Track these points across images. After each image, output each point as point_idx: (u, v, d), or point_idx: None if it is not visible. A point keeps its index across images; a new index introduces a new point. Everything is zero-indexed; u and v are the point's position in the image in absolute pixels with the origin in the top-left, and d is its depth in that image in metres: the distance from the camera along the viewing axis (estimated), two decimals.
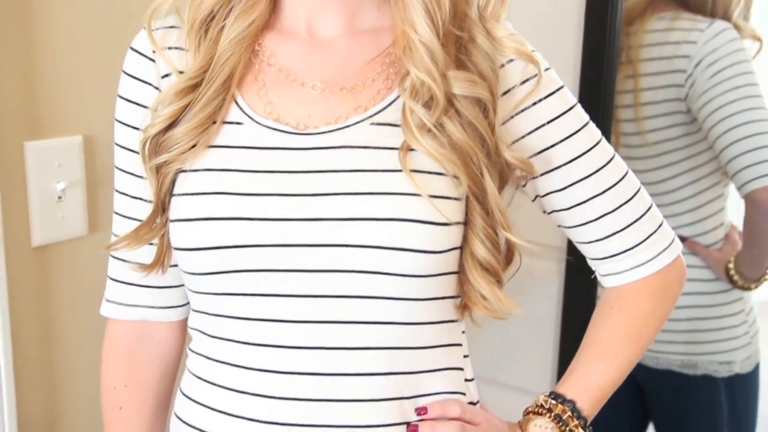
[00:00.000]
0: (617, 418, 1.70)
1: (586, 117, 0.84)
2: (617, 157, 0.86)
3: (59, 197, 1.16)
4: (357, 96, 0.79)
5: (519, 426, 0.86)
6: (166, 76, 0.83)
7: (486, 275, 0.79)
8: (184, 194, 0.78)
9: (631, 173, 0.87)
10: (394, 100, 0.79)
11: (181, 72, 0.81)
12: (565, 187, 0.83)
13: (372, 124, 0.77)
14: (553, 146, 0.82)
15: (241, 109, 0.80)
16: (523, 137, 0.81)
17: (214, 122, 0.79)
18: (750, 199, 1.41)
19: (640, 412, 1.71)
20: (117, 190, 0.88)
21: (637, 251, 0.86)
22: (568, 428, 0.85)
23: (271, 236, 0.74)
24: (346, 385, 0.76)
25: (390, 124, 0.77)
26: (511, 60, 0.80)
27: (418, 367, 0.79)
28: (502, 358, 1.62)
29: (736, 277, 1.50)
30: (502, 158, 0.78)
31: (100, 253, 1.23)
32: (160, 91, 0.82)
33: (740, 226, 1.56)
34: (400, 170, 0.75)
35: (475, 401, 0.86)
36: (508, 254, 0.83)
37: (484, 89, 0.77)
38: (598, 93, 1.42)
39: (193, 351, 0.84)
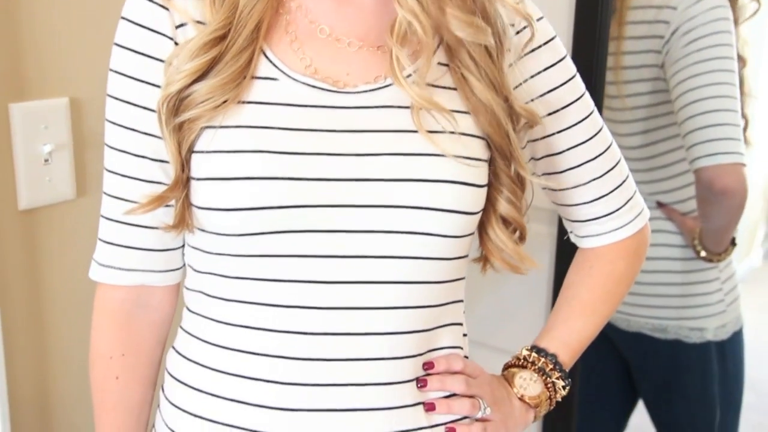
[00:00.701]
0: (606, 386, 1.72)
1: (583, 87, 0.88)
2: (604, 126, 0.90)
3: (46, 160, 1.14)
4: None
5: (505, 378, 0.89)
6: (181, 26, 0.77)
7: (507, 231, 0.83)
8: (217, 151, 0.74)
9: (614, 142, 0.91)
10: None
11: (199, 22, 0.76)
12: (563, 151, 0.87)
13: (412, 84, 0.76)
14: (555, 113, 0.85)
15: (273, 63, 0.77)
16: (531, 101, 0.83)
17: (244, 77, 0.75)
18: (698, 177, 1.40)
19: (628, 383, 1.72)
20: (113, 147, 0.82)
21: (617, 215, 0.91)
22: (550, 380, 0.89)
23: (316, 196, 0.73)
24: (375, 344, 0.77)
25: (429, 85, 0.77)
26: (523, 28, 0.81)
27: (433, 324, 0.81)
28: (493, 320, 1.62)
29: (699, 249, 1.50)
30: (512, 109, 0.80)
31: (89, 218, 1.22)
32: (175, 42, 0.77)
33: None
34: (441, 132, 0.76)
35: (467, 355, 0.88)
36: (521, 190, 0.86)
37: (488, 35, 0.77)
38: (591, 54, 1.40)
39: (192, 311, 0.83)
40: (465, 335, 0.88)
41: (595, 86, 1.38)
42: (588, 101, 0.88)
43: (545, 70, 0.84)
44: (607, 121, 0.93)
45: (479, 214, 0.80)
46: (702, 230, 1.48)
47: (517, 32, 0.81)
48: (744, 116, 1.43)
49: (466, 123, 0.78)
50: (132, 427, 0.89)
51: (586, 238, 0.94)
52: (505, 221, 0.83)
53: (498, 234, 0.82)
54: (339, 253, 0.74)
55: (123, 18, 0.79)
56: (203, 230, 0.77)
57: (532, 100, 0.83)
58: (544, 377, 0.89)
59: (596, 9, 1.38)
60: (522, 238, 0.85)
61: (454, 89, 0.78)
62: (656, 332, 1.55)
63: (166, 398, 0.85)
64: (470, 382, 0.83)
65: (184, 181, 0.77)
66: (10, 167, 1.11)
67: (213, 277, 0.79)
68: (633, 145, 1.49)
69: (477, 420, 0.83)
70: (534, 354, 0.90)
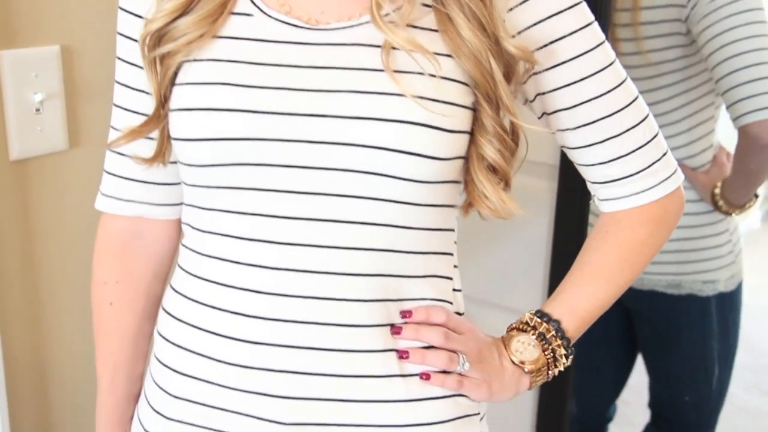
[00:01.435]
0: (606, 341, 1.73)
1: (602, 37, 0.81)
2: (629, 81, 0.83)
3: (37, 109, 1.12)
4: None
5: (502, 341, 0.86)
6: None
7: (492, 177, 0.78)
8: (186, 83, 0.77)
9: (641, 98, 0.84)
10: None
11: None
12: (574, 106, 0.81)
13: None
14: (564, 63, 0.79)
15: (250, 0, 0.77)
16: (539, 73, 0.79)
17: (222, 12, 0.76)
18: (743, 132, 1.39)
19: (628, 336, 1.73)
20: (117, 82, 0.86)
21: (638, 178, 0.84)
22: (550, 347, 0.85)
23: (273, 130, 0.73)
24: (335, 283, 0.76)
25: (408, 26, 0.74)
26: None
27: (407, 271, 0.79)
28: (493, 277, 1.62)
29: (721, 203, 1.51)
30: (504, 51, 0.75)
31: (82, 169, 1.21)
32: None
33: (728, 148, 1.56)
34: (412, 72, 0.73)
35: (461, 312, 0.86)
36: (515, 138, 0.81)
37: None
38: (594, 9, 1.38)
39: (183, 246, 0.83)
40: (457, 290, 0.86)
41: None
42: (607, 51, 0.81)
43: (554, 15, 0.79)
44: None
45: (455, 161, 0.76)
46: (728, 184, 1.48)
47: None
48: None
49: (447, 66, 0.75)
50: (127, 355, 0.92)
51: (605, 201, 0.87)
52: (493, 169, 0.79)
53: (482, 181, 0.78)
54: (296, 189, 0.74)
55: None
56: (181, 162, 0.79)
57: (540, 48, 0.78)
58: (543, 343, 0.85)
59: None
60: (507, 186, 0.81)
61: (435, 31, 0.76)
62: (670, 288, 1.55)
63: (157, 328, 0.87)
64: (451, 336, 0.80)
65: (162, 115, 0.79)
66: (0, 116, 1.09)
67: (192, 209, 0.81)
68: (647, 102, 1.47)
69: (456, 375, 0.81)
70: (536, 318, 0.86)
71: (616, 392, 1.80)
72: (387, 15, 0.74)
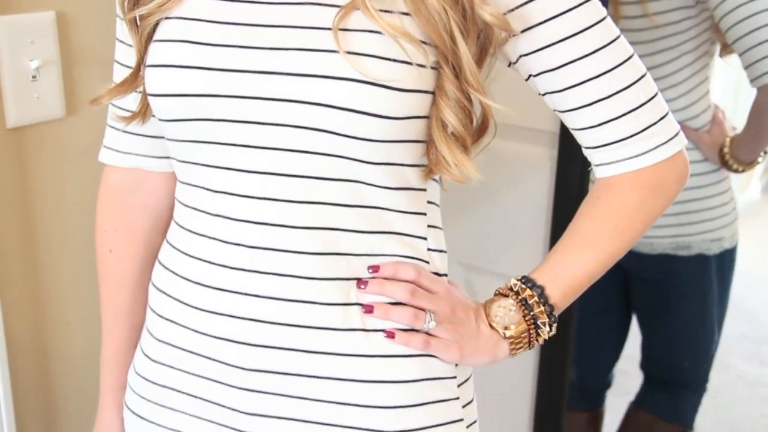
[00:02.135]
0: (607, 306, 1.74)
1: None
2: (622, 39, 0.80)
3: (33, 76, 1.11)
4: None
5: (483, 306, 0.85)
6: None
7: (452, 141, 0.77)
8: (157, 41, 0.80)
9: (636, 58, 0.80)
10: None
11: None
12: (559, 67, 0.78)
13: None
14: (549, 20, 0.76)
15: None
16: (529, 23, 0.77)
17: None
18: (764, 90, 1.40)
19: (625, 301, 1.74)
20: (117, 39, 0.90)
21: (631, 142, 0.81)
22: (531, 313, 0.83)
23: (228, 87, 0.75)
24: (289, 236, 0.77)
25: None
26: None
27: (364, 227, 0.79)
28: (493, 245, 1.61)
29: (730, 161, 1.52)
30: (478, 18, 0.74)
31: (80, 137, 1.20)
32: None
33: (721, 106, 1.59)
34: (362, 30, 0.73)
35: (441, 273, 0.85)
36: (483, 122, 0.80)
37: None
38: None
39: (175, 197, 0.87)
40: (435, 250, 0.85)
41: None
42: (595, 9, 0.78)
43: None
44: None
45: (412, 121, 0.75)
46: (738, 141, 1.50)
47: None
48: None
49: (405, 24, 0.73)
50: (126, 302, 0.95)
51: (599, 166, 0.84)
52: (454, 134, 0.78)
53: (440, 143, 0.77)
54: (252, 144, 0.77)
55: None
56: (156, 116, 0.83)
57: (519, 7, 0.75)
58: (524, 309, 0.84)
59: None
60: (466, 150, 0.79)
61: None
62: (680, 250, 1.57)
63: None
64: (419, 293, 0.80)
65: (141, 71, 0.83)
66: None
67: (174, 161, 0.85)
68: (649, 66, 1.47)
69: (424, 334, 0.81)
70: (520, 284, 0.84)
71: (616, 357, 1.81)
72: None
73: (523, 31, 0.76)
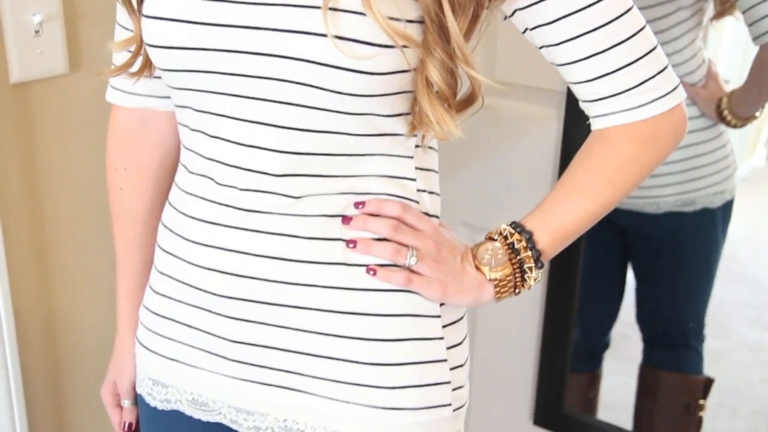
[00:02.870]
0: (607, 267, 1.74)
1: None
2: None
3: (36, 31, 1.10)
4: None
5: (471, 249, 0.86)
6: None
7: (434, 99, 0.77)
8: None
9: (635, 11, 0.80)
10: None
11: None
12: (554, 21, 0.77)
13: None
14: None
15: None
16: None
17: None
18: (767, 48, 1.39)
19: (623, 259, 1.74)
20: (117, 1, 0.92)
21: (627, 95, 0.81)
22: (518, 257, 0.84)
23: (214, 41, 0.77)
24: (273, 183, 0.79)
25: None
26: None
27: (349, 172, 0.80)
28: (498, 205, 1.61)
29: (728, 116, 1.53)
30: None
31: (84, 93, 1.19)
32: None
33: (714, 60, 1.58)
34: None
35: (431, 213, 0.86)
36: (471, 94, 0.80)
37: None
38: None
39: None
40: (425, 191, 0.85)
41: None
42: None
43: None
44: None
45: (396, 75, 0.75)
46: (736, 96, 1.50)
47: None
48: None
49: None
50: (137, 237, 0.99)
51: (595, 118, 0.85)
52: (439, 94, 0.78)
53: (423, 100, 0.77)
54: (242, 94, 0.78)
55: None
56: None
57: None
58: (511, 253, 0.85)
59: None
60: (450, 108, 0.79)
61: None
62: (685, 206, 1.57)
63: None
64: (402, 229, 0.81)
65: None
66: None
67: (174, 105, 0.87)
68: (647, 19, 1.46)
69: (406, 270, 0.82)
70: (509, 228, 0.85)
71: (614, 318, 1.82)
72: None
73: None
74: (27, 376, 1.21)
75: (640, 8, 0.81)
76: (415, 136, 0.83)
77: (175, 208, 0.88)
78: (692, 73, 1.53)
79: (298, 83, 0.75)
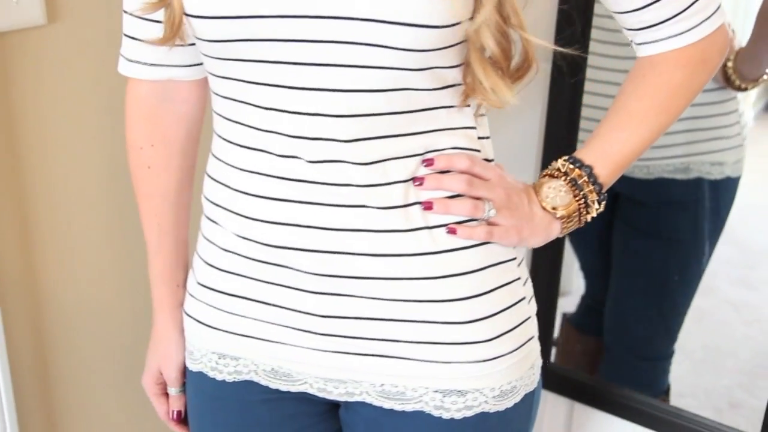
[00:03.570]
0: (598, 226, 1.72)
1: None
2: None
3: None
4: None
5: (533, 188, 0.87)
6: None
7: (488, 65, 0.77)
8: None
9: None
10: None
11: None
12: None
13: None
14: None
15: None
16: None
17: None
18: None
19: (608, 217, 1.72)
20: None
21: (675, 21, 0.83)
22: (582, 193, 0.86)
23: (270, 7, 0.74)
24: (343, 150, 0.77)
25: None
26: None
27: (415, 129, 0.79)
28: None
29: (733, 77, 1.49)
30: None
31: (63, 46, 1.16)
32: None
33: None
34: None
35: (489, 158, 0.86)
36: (526, 60, 0.79)
37: None
38: None
39: (213, 111, 0.86)
40: (484, 138, 0.85)
41: None
42: None
43: None
44: None
45: (456, 27, 0.75)
46: (742, 55, 1.47)
47: None
48: None
49: None
50: (170, 216, 0.96)
51: (641, 45, 0.86)
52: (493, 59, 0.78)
53: (478, 65, 0.77)
54: (298, 61, 0.76)
55: None
56: (194, 36, 0.80)
57: None
58: (575, 189, 0.86)
59: None
60: (504, 74, 0.79)
61: None
62: (678, 173, 1.54)
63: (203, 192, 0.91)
64: (475, 182, 0.81)
65: None
66: None
67: (211, 77, 0.83)
68: None
69: (484, 223, 0.83)
70: (568, 164, 0.87)
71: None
72: None
73: None
74: (12, 353, 1.19)
75: None
76: (468, 106, 0.83)
77: (226, 185, 0.85)
78: None
79: (365, 44, 0.73)
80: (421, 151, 0.80)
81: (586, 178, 0.86)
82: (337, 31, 0.73)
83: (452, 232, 0.81)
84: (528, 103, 1.49)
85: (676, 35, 0.84)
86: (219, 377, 0.92)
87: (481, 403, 0.85)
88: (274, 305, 0.85)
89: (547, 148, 1.50)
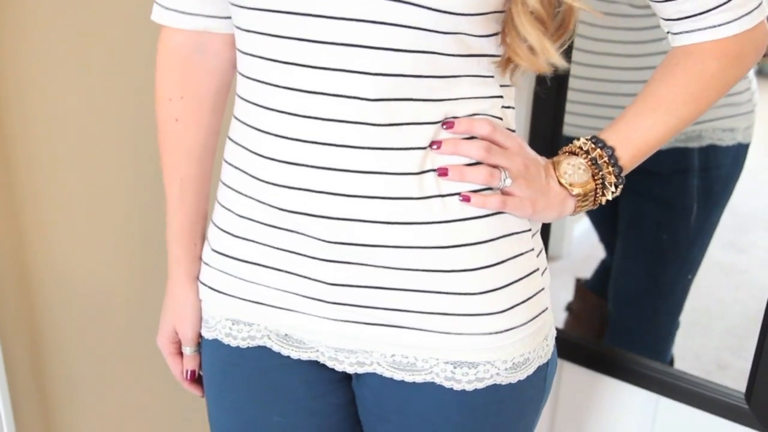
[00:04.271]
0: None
1: None
2: None
3: None
4: None
5: (552, 163, 0.86)
6: None
7: (535, 23, 0.76)
8: None
9: None
10: None
11: None
12: None
13: None
14: None
15: None
16: None
17: None
18: None
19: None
20: None
21: (714, 13, 0.82)
22: (600, 173, 0.85)
23: None
24: (363, 109, 0.76)
25: None
26: None
27: (438, 95, 0.78)
28: None
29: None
30: None
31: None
32: None
33: None
34: None
35: (511, 128, 0.85)
36: (564, 21, 0.79)
37: None
38: None
39: (238, 71, 0.86)
40: (508, 107, 0.85)
41: None
42: None
43: None
44: None
45: None
46: None
47: None
48: None
49: None
50: (194, 171, 0.95)
51: (678, 35, 0.85)
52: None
53: (524, 24, 0.76)
54: (324, 14, 0.75)
55: None
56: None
57: None
58: (594, 168, 0.85)
59: None
60: (546, 31, 0.78)
61: None
62: (691, 142, 1.52)
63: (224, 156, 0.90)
64: (494, 150, 0.80)
65: None
66: None
67: (237, 32, 0.83)
68: None
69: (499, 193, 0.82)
70: (590, 143, 0.86)
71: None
72: None
73: None
74: (5, 347, 1.18)
75: None
76: (492, 77, 0.82)
77: (243, 147, 0.84)
78: None
79: (398, 1, 0.73)
80: (441, 119, 0.79)
81: (606, 158, 0.85)
82: None
83: (466, 199, 0.80)
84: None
85: (714, 26, 0.82)
86: (233, 343, 0.92)
87: (493, 375, 0.85)
88: (286, 272, 0.85)
89: (531, 142, 1.50)
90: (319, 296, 0.85)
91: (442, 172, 0.79)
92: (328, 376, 0.93)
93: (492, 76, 0.82)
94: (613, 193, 0.87)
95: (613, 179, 0.86)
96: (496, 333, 0.84)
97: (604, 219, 1.72)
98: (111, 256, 1.31)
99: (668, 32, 0.86)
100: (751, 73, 1.54)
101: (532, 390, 0.89)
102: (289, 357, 0.91)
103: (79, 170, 1.23)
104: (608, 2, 1.43)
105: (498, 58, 0.81)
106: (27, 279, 1.21)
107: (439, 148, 0.79)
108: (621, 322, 1.70)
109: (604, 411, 1.59)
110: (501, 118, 0.83)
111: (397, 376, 0.86)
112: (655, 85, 0.86)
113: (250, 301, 0.89)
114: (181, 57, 0.91)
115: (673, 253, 1.63)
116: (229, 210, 0.88)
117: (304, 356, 0.90)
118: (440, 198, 0.80)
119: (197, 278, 0.96)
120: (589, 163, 0.85)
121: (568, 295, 1.85)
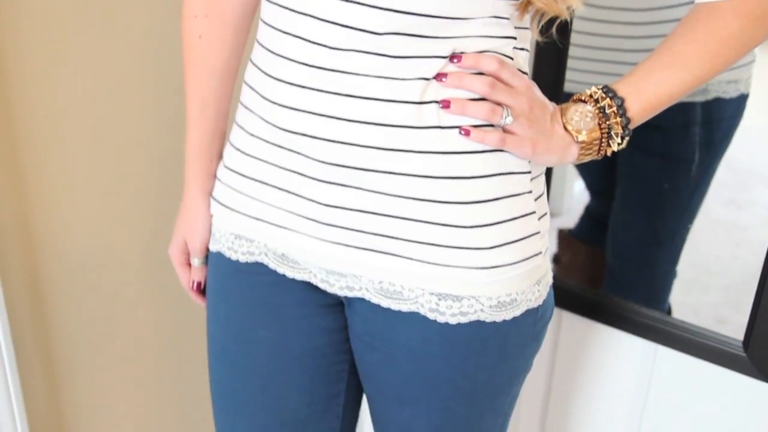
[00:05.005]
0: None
1: None
2: None
3: None
4: None
5: (560, 109, 0.86)
6: None
7: None
8: None
9: None
10: None
11: None
12: None
13: None
14: None
15: None
16: None
17: None
18: None
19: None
20: None
21: None
22: (607, 122, 0.85)
23: None
24: (371, 41, 0.77)
25: None
26: None
27: (447, 33, 0.79)
28: None
29: None
30: None
31: None
32: None
33: None
34: None
35: (523, 70, 0.85)
36: None
37: None
38: None
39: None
40: (525, 50, 0.84)
41: None
42: None
43: None
44: None
45: None
46: None
47: None
48: None
49: None
50: (214, 89, 0.99)
51: None
52: None
53: None
54: None
55: None
56: None
57: None
58: (601, 117, 0.85)
59: None
60: None
61: None
62: (697, 96, 1.52)
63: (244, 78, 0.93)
64: (498, 86, 0.80)
65: None
66: None
67: None
68: None
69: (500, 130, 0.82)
70: (600, 92, 0.86)
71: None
72: None
73: None
74: (8, 296, 1.19)
75: None
76: (507, 18, 0.82)
77: (259, 68, 0.86)
78: None
79: None
80: (449, 54, 0.79)
81: (615, 108, 0.84)
82: None
83: (466, 133, 0.80)
84: None
85: None
86: (234, 257, 0.95)
87: (477, 311, 0.85)
88: (285, 191, 0.88)
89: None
90: (313, 216, 0.87)
91: (445, 104, 0.80)
92: (320, 300, 0.94)
93: (508, 18, 0.82)
94: (618, 144, 0.86)
95: (619, 130, 0.85)
96: (483, 268, 0.84)
97: (594, 166, 1.72)
98: (121, 234, 1.31)
99: None
100: None
101: (519, 333, 0.89)
102: (284, 276, 0.93)
103: (89, 152, 1.24)
104: None
105: (516, 1, 0.81)
106: (33, 251, 1.22)
107: (445, 80, 0.79)
108: (620, 271, 1.71)
109: (603, 359, 1.60)
110: (512, 58, 0.83)
111: (384, 303, 0.87)
112: (673, 41, 0.85)
113: (252, 217, 0.92)
114: None
115: (674, 204, 1.63)
116: (242, 128, 0.92)
117: (298, 276, 0.92)
118: (439, 129, 0.81)
119: (210, 194, 0.99)
120: (597, 111, 0.85)
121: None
